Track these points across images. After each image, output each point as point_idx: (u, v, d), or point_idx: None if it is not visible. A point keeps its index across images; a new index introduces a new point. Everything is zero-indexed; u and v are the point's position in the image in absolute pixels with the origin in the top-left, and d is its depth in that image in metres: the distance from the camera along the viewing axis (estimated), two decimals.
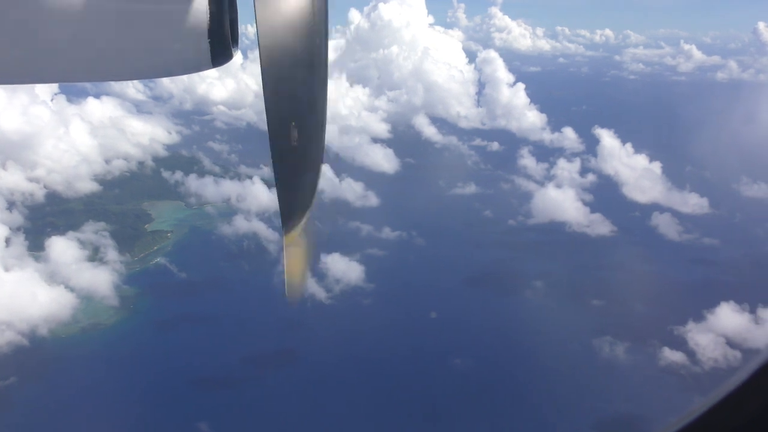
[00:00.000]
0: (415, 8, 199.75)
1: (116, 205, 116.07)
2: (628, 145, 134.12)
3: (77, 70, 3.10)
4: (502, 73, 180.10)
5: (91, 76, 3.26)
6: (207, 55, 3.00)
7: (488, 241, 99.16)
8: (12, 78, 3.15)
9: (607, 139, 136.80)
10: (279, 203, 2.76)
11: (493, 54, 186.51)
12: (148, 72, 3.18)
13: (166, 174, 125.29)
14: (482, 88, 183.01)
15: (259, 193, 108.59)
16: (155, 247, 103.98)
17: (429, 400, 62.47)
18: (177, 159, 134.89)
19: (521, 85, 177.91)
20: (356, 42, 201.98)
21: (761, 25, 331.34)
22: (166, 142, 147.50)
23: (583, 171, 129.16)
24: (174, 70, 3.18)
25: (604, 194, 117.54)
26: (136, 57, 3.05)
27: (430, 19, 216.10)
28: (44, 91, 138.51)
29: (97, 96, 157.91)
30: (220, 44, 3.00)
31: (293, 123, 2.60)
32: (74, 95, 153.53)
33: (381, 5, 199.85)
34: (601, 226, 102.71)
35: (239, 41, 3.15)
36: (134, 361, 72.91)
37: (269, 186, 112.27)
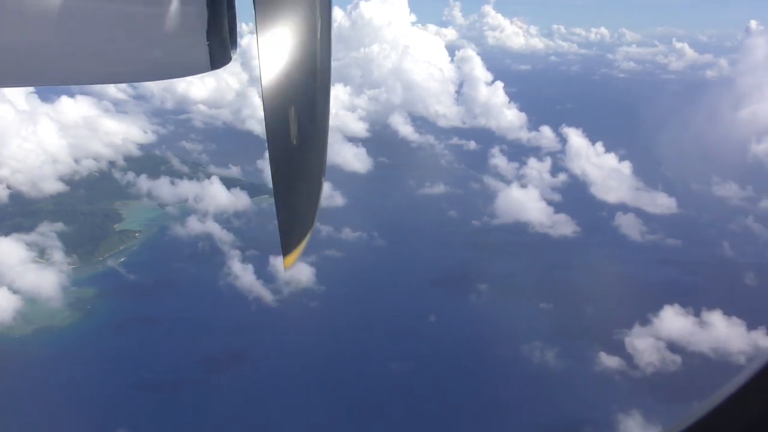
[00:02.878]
0: (396, 7, 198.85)
1: (88, 205, 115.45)
2: (601, 145, 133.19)
3: (75, 73, 3.08)
4: (480, 71, 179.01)
5: (90, 78, 3.20)
6: (206, 57, 2.96)
7: (449, 242, 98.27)
8: (9, 81, 3.07)
9: (580, 138, 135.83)
10: (278, 221, 2.57)
11: (470, 52, 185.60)
12: (146, 75, 3.14)
13: (134, 174, 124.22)
14: (461, 86, 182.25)
15: (219, 194, 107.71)
16: (121, 247, 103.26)
17: (366, 405, 61.78)
18: (149, 159, 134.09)
19: (500, 84, 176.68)
20: (338, 40, 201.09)
21: (753, 23, 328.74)
22: (141, 142, 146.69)
23: (555, 170, 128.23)
24: (173, 72, 3.10)
25: (573, 194, 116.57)
26: (135, 60, 3.01)
27: (413, 17, 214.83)
28: (16, 90, 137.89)
29: (71, 95, 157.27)
30: (219, 46, 2.96)
31: (293, 131, 2.49)
32: (50, 94, 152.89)
33: (362, 3, 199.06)
34: (564, 227, 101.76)
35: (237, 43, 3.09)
36: (83, 364, 72.15)
37: (228, 187, 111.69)
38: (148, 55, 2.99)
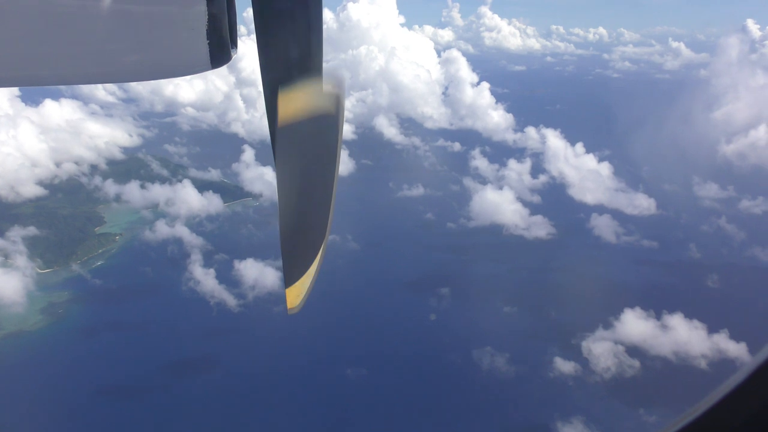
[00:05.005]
0: (384, 8, 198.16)
1: (71, 208, 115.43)
2: (584, 146, 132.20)
3: (75, 73, 3.07)
4: (466, 72, 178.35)
5: (89, 78, 3.16)
6: (206, 56, 2.94)
7: (422, 245, 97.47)
8: (9, 81, 3.05)
9: (562, 140, 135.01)
10: (282, 254, 2.68)
11: (456, 53, 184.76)
12: (146, 74, 3.10)
13: (114, 178, 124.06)
14: (447, 88, 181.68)
15: (193, 198, 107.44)
16: (100, 250, 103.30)
17: (325, 411, 61.36)
18: (131, 162, 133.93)
19: (486, 85, 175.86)
20: (325, 42, 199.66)
21: (750, 22, 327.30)
22: (126, 145, 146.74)
23: (536, 172, 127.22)
24: (173, 71, 3.09)
25: (552, 196, 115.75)
26: (134, 59, 2.99)
27: (401, 18, 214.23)
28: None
29: (56, 98, 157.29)
30: (219, 45, 2.94)
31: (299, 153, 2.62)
32: (35, 97, 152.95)
33: (350, 5, 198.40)
34: (539, 229, 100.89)
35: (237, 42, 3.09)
36: (50, 368, 71.95)
37: (206, 190, 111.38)
38: (148, 54, 2.96)
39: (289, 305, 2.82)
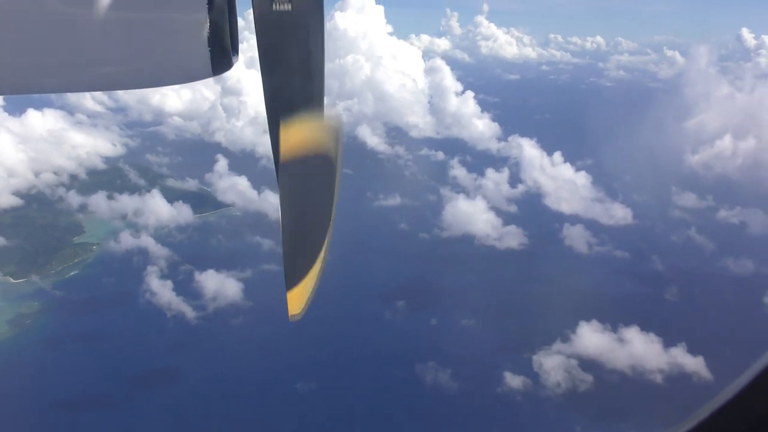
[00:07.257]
0: (372, 18, 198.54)
1: (51, 218, 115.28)
2: (564, 156, 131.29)
3: (77, 80, 3.13)
4: (450, 81, 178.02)
5: (91, 85, 3.22)
6: (207, 63, 2.99)
7: (393, 255, 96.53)
8: (11, 88, 3.14)
9: (542, 149, 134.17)
10: (284, 259, 2.79)
11: (439, 62, 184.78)
12: (148, 81, 3.16)
13: (94, 188, 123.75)
14: (432, 97, 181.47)
15: (164, 209, 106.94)
16: (76, 260, 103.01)
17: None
18: (112, 172, 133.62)
19: (471, 93, 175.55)
20: None
21: (744, 31, 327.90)
22: (109, 155, 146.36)
23: (515, 181, 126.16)
24: (174, 79, 3.17)
25: (529, 205, 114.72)
26: (137, 66, 3.04)
27: (389, 28, 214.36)
28: None
29: (39, 108, 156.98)
30: (221, 53, 3.00)
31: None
32: (17, 107, 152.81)
33: (337, 14, 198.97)
34: (511, 239, 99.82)
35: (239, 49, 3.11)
36: (10, 381, 71.33)
37: (170, 201, 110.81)
38: (149, 61, 2.98)
39: (290, 312, 2.78)
